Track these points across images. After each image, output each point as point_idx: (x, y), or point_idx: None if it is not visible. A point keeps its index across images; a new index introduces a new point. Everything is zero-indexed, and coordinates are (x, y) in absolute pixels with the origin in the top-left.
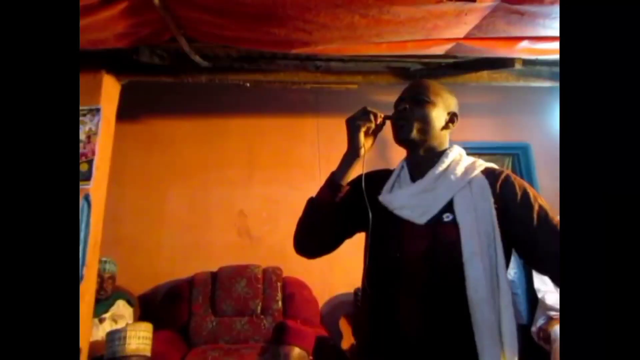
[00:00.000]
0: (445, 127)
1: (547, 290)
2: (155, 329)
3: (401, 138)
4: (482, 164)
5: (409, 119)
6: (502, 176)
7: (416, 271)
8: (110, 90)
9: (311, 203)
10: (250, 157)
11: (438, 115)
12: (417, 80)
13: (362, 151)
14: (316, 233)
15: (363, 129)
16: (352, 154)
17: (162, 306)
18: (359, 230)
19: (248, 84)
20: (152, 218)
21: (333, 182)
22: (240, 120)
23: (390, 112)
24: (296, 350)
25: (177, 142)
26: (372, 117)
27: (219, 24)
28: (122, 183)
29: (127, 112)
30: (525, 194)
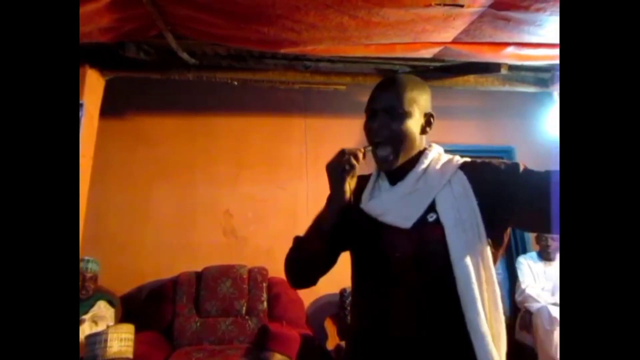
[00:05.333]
0: (423, 132)
1: (529, 284)
2: (138, 330)
3: (386, 170)
4: (459, 160)
5: (388, 139)
6: (477, 166)
7: (405, 274)
8: (93, 85)
9: (300, 248)
10: (238, 156)
11: (415, 124)
12: (388, 80)
13: (347, 197)
14: (309, 274)
15: (348, 179)
16: (339, 205)
17: (145, 306)
18: (349, 247)
19: (236, 83)
20: (136, 217)
21: (322, 232)
22: (227, 119)
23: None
24: (277, 357)
25: (163, 139)
26: (354, 161)
27: (208, 22)
28: (105, 180)
29: (111, 108)
30: (502, 170)
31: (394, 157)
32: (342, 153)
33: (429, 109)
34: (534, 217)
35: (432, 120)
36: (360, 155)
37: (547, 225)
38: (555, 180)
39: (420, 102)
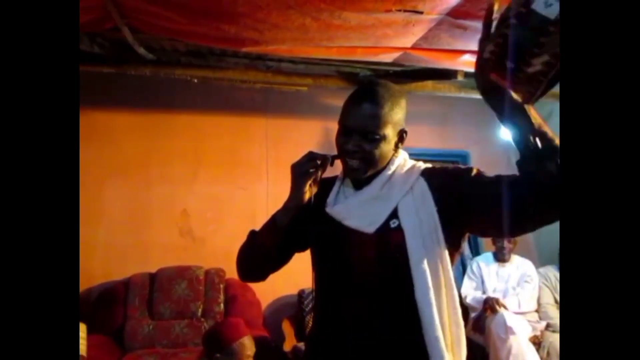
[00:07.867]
0: (395, 148)
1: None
2: (88, 333)
3: (354, 179)
4: (420, 166)
5: (361, 159)
6: (436, 172)
7: (366, 278)
8: None
9: (253, 241)
10: (196, 155)
11: (389, 145)
12: (363, 95)
13: (306, 199)
14: (259, 267)
15: (310, 181)
16: (296, 203)
17: (94, 309)
18: (305, 249)
19: (195, 80)
20: (87, 215)
21: (277, 228)
22: (186, 117)
23: (338, 112)
24: (247, 339)
25: (117, 136)
26: (319, 164)
27: (167, 17)
28: None
29: None
30: (458, 174)
31: (364, 172)
32: (309, 156)
33: (402, 125)
34: (486, 219)
35: (404, 136)
36: (327, 163)
37: (497, 227)
38: (504, 184)
39: (395, 120)
